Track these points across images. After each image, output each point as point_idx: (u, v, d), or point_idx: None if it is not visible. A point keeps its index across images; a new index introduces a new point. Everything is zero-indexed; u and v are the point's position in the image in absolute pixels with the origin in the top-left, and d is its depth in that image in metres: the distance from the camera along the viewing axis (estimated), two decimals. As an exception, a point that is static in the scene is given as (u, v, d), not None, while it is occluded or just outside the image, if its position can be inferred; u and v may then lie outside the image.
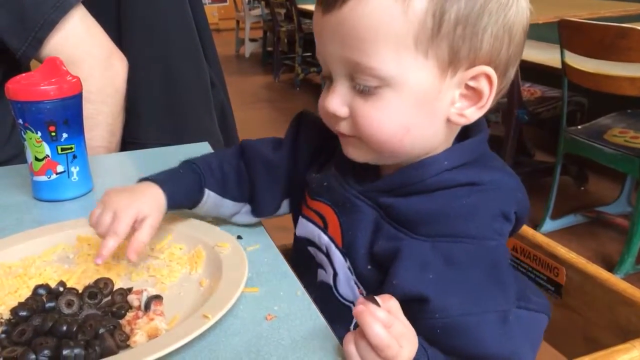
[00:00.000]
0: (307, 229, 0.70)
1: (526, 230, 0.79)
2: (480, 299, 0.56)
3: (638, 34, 1.84)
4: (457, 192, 0.59)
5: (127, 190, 0.68)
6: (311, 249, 0.71)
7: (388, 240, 0.60)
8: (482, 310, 0.56)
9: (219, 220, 0.77)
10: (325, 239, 0.67)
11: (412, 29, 0.54)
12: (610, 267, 2.10)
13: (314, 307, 0.60)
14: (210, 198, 0.73)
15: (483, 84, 0.57)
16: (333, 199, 0.67)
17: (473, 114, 0.59)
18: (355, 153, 0.63)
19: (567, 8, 2.64)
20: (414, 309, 0.55)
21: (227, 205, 0.75)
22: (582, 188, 2.83)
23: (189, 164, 0.74)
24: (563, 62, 2.17)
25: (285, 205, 0.78)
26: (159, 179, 0.70)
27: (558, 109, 2.44)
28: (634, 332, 0.66)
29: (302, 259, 0.72)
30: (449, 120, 0.59)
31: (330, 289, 0.68)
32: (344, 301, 0.66)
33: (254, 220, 0.77)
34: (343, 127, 0.61)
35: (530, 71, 2.65)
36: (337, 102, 0.59)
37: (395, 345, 0.49)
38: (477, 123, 0.64)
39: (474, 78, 0.57)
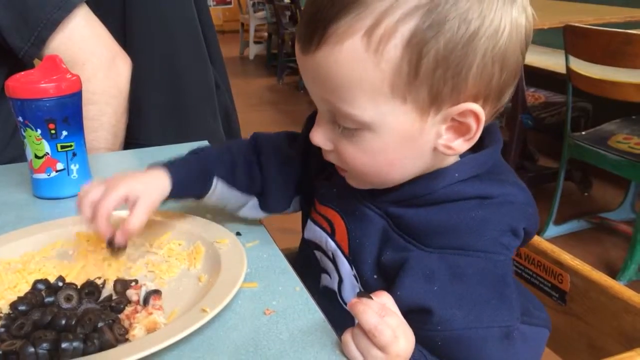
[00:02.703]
0: (314, 233, 0.70)
1: (530, 236, 0.79)
2: (484, 314, 0.56)
3: (643, 40, 1.83)
4: (467, 204, 0.58)
5: (130, 173, 0.67)
6: (317, 253, 0.70)
7: (396, 251, 0.60)
8: (485, 325, 0.55)
9: (218, 217, 0.77)
10: (332, 244, 0.67)
11: (387, 77, 0.51)
12: (614, 273, 2.09)
13: (312, 302, 0.60)
14: (218, 187, 0.71)
15: (469, 120, 0.55)
16: (342, 207, 0.67)
17: (460, 145, 0.56)
18: (352, 182, 0.63)
19: (572, 13, 2.64)
20: (417, 319, 0.55)
21: (235, 197, 0.73)
22: (586, 194, 2.82)
23: (198, 152, 0.73)
24: (568, 68, 2.16)
25: (295, 203, 0.77)
26: (167, 164, 0.69)
27: (562, 114, 2.44)
28: (638, 340, 0.66)
29: (307, 262, 0.71)
30: (436, 150, 0.57)
31: (334, 294, 0.67)
32: (347, 307, 0.66)
33: (261, 215, 0.76)
34: (332, 159, 0.61)
35: (534, 76, 2.65)
36: (321, 137, 0.59)
37: (388, 331, 0.49)
38: (492, 133, 0.63)
39: (459, 114, 0.54)
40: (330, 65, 0.52)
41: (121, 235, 0.63)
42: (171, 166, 0.68)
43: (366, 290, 0.62)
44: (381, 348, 0.49)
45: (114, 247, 0.64)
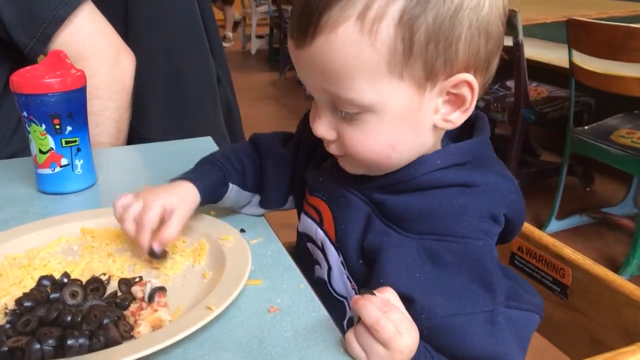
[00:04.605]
0: (306, 224, 0.71)
1: (532, 230, 0.79)
2: (466, 300, 0.57)
3: (647, 34, 1.83)
4: (449, 192, 0.59)
5: (160, 187, 0.69)
6: (309, 245, 0.71)
7: (376, 235, 0.61)
8: (468, 311, 0.56)
9: (222, 214, 0.78)
10: (321, 233, 0.68)
11: (383, 57, 0.53)
12: (616, 268, 2.09)
13: (316, 300, 0.60)
14: (232, 191, 0.75)
15: (464, 90, 0.57)
16: (328, 194, 0.68)
17: (458, 118, 0.59)
18: (349, 168, 0.64)
19: (575, 7, 2.63)
20: None
21: (245, 196, 0.77)
22: (588, 189, 2.82)
23: (211, 161, 0.75)
24: (571, 62, 2.16)
25: (291, 200, 0.79)
26: (190, 176, 0.71)
27: (565, 109, 2.43)
28: (640, 335, 0.66)
29: (301, 255, 0.73)
30: (435, 127, 0.59)
31: (325, 284, 0.68)
32: (337, 296, 0.67)
33: (260, 211, 0.79)
34: (333, 149, 0.62)
35: (537, 71, 2.64)
36: (324, 128, 0.60)
37: (390, 326, 0.49)
38: (480, 125, 0.64)
39: (454, 86, 0.56)
40: (327, 53, 0.54)
41: (158, 245, 0.65)
42: (195, 179, 0.71)
43: (353, 276, 0.64)
44: (384, 343, 0.50)
45: (155, 256, 0.66)
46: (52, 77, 0.82)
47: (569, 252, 0.75)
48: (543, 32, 3.27)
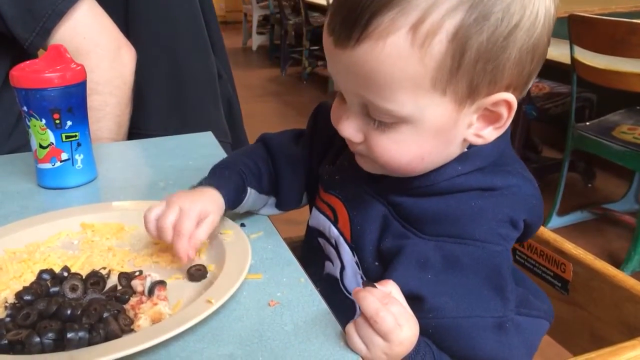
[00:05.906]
0: (318, 220, 0.71)
1: (533, 226, 0.79)
2: (476, 303, 0.56)
3: (649, 29, 1.82)
4: (469, 195, 0.58)
5: (189, 192, 0.67)
6: (321, 240, 0.71)
7: (394, 239, 0.60)
8: (476, 315, 0.56)
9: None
10: (335, 232, 0.67)
11: (429, 72, 0.51)
12: (617, 264, 2.09)
13: (316, 294, 0.60)
14: (251, 196, 0.72)
15: (501, 109, 0.55)
16: (344, 193, 0.67)
17: (490, 134, 0.57)
18: (368, 167, 0.62)
19: (577, 3, 2.62)
20: (409, 306, 0.55)
21: (262, 200, 0.75)
22: (590, 185, 2.82)
23: (228, 166, 0.73)
24: (572, 58, 2.15)
25: (305, 197, 0.78)
26: (213, 183, 0.68)
27: (567, 104, 2.43)
28: (640, 329, 0.66)
29: (311, 249, 0.72)
30: (465, 140, 0.58)
31: (336, 281, 0.68)
32: (348, 295, 0.67)
33: (276, 212, 0.78)
34: (358, 149, 0.60)
35: (538, 67, 2.63)
36: (351, 130, 0.58)
37: (390, 318, 0.49)
38: None
39: (493, 104, 0.55)
40: (371, 61, 0.51)
41: (193, 247, 0.63)
42: (220, 187, 0.68)
43: (368, 277, 0.63)
44: (383, 335, 0.50)
45: (195, 278, 0.63)
46: (51, 71, 0.82)
47: (569, 247, 0.75)
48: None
